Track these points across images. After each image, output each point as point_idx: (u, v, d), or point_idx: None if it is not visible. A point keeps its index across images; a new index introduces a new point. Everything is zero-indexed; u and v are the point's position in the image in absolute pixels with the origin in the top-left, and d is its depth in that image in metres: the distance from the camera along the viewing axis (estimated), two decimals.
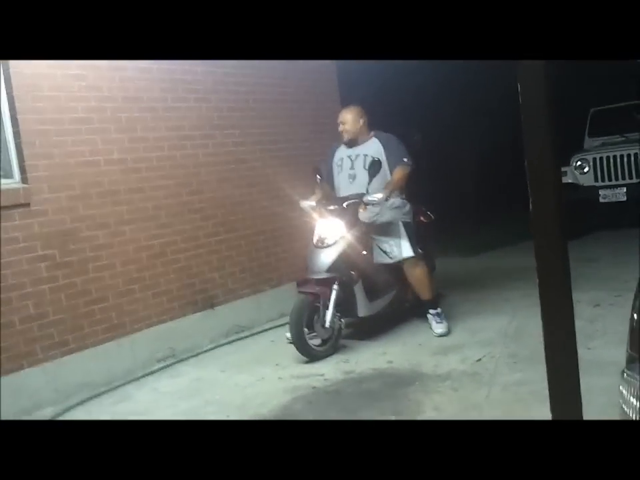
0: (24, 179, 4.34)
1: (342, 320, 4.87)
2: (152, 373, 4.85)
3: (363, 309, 4.92)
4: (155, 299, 5.07)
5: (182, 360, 5.09)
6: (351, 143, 5.03)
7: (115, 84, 4.86)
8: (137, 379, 4.74)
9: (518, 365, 4.06)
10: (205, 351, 5.27)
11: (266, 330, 5.72)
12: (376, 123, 5.25)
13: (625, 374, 1.43)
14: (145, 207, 5.03)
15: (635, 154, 8.24)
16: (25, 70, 4.31)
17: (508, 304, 5.58)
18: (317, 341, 4.73)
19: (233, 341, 5.49)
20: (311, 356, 4.67)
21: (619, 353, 1.67)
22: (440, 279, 5.87)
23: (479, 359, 4.27)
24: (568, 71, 9.85)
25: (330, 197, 5.11)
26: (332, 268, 4.69)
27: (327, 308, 4.67)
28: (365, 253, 4.92)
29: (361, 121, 5.00)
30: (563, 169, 8.30)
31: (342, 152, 5.10)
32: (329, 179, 5.18)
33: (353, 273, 4.82)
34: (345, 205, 4.83)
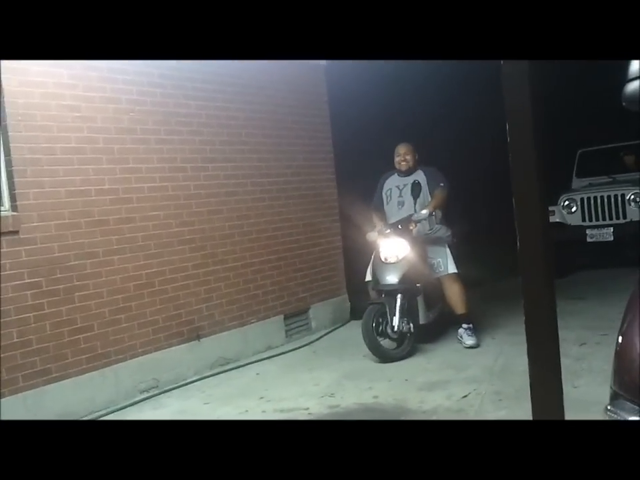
0: (14, 207, 4.34)
1: (410, 324, 5.36)
2: (135, 403, 4.79)
3: (424, 317, 5.57)
4: (141, 329, 5.03)
5: (165, 391, 5.03)
6: (404, 174, 5.79)
7: (108, 115, 4.89)
8: (119, 409, 4.68)
9: (503, 402, 4.06)
10: (189, 383, 5.22)
11: (252, 362, 5.68)
12: (370, 154, 5.49)
13: (608, 410, 1.44)
14: (134, 237, 5.03)
15: (622, 195, 8.35)
16: (19, 100, 4.34)
17: (494, 341, 5.59)
18: (392, 345, 5.38)
19: (218, 373, 5.44)
20: (385, 357, 5.29)
21: (605, 391, 1.68)
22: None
23: (465, 396, 4.26)
24: (557, 112, 10.04)
25: (385, 224, 5.77)
26: (400, 280, 5.36)
27: (394, 314, 5.27)
28: (425, 267, 5.61)
29: (416, 156, 5.80)
30: (551, 209, 8.38)
31: (391, 182, 5.89)
32: (379, 208, 5.94)
33: (418, 285, 5.50)
34: (399, 226, 5.54)
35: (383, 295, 5.43)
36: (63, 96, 4.60)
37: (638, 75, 1.69)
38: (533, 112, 2.44)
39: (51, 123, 4.53)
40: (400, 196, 5.75)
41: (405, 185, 5.73)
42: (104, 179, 4.85)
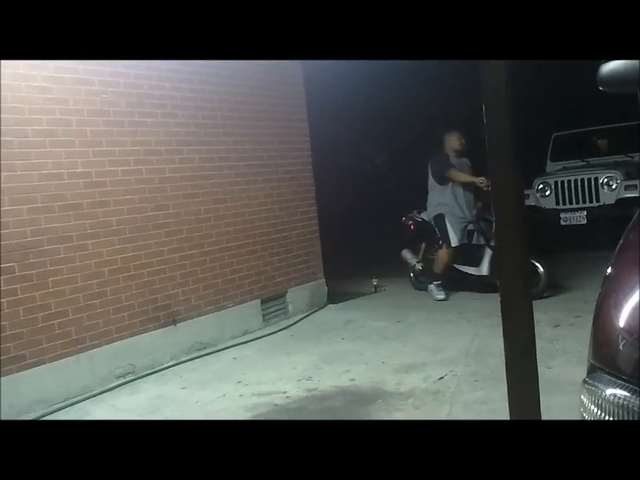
0: None
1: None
2: (111, 389, 4.76)
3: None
4: (116, 315, 4.99)
5: (142, 376, 5.01)
6: (460, 155, 7.03)
7: (80, 97, 4.81)
8: (95, 395, 4.64)
9: (479, 383, 4.10)
10: (166, 368, 5.19)
11: (229, 347, 5.67)
12: (346, 138, 5.41)
13: (586, 383, 1.46)
14: (108, 221, 4.97)
15: (595, 178, 8.44)
16: None
17: (470, 324, 5.64)
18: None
19: (195, 358, 5.42)
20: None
21: (578, 371, 1.70)
22: (403, 303, 5.88)
23: (441, 378, 4.30)
24: (532, 96, 10.09)
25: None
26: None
27: None
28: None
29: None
30: (526, 192, 8.45)
31: (453, 161, 6.98)
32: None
33: None
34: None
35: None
36: (34, 77, 4.51)
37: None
38: (508, 97, 2.46)
39: (22, 104, 4.45)
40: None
41: (459, 164, 6.94)
42: (77, 162, 4.78)
